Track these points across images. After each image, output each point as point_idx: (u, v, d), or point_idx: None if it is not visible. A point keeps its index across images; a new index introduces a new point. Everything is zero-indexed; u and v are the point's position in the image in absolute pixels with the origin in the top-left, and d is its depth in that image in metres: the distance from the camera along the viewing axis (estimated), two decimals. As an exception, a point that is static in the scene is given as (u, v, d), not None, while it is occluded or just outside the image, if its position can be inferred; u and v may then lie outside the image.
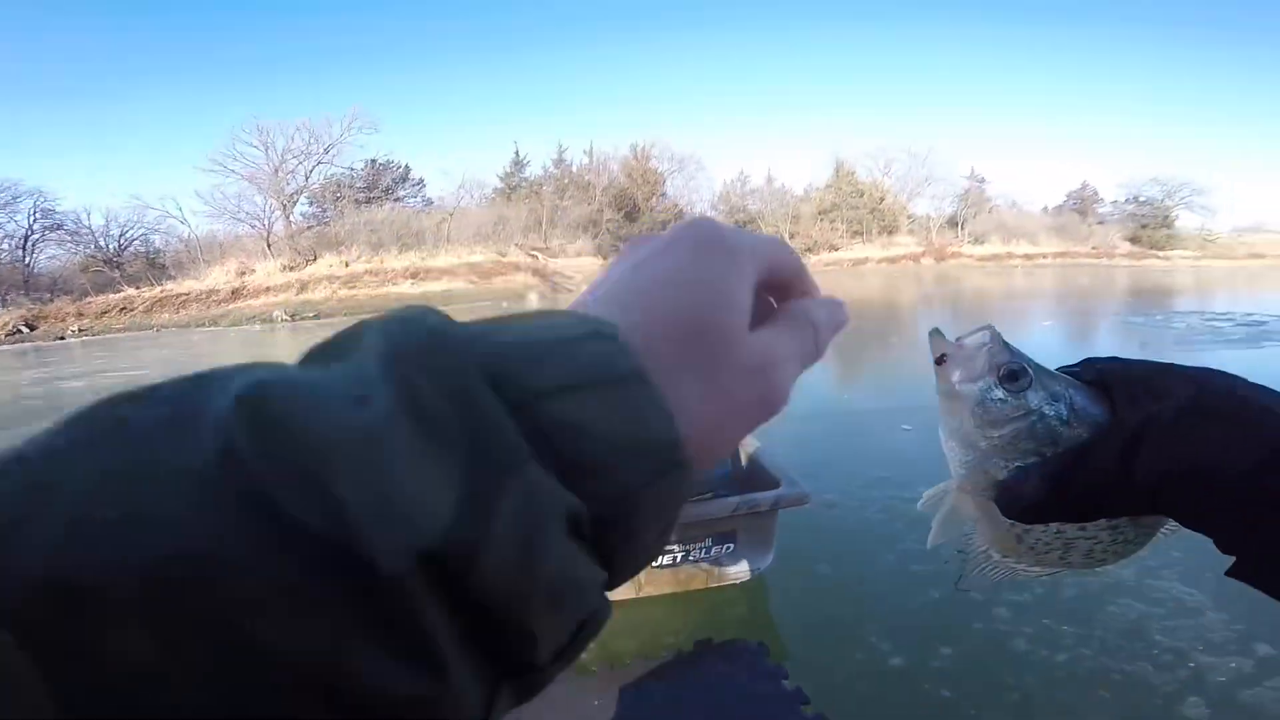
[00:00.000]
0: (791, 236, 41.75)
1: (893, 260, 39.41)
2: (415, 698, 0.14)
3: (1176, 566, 2.42)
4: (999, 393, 0.41)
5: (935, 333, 0.43)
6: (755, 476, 2.53)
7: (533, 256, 31.85)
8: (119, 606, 0.12)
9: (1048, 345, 8.88)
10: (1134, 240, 44.85)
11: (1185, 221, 47.36)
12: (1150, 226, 45.59)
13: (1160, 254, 42.95)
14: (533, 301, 24.53)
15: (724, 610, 2.31)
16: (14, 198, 31.15)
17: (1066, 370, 0.43)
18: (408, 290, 27.17)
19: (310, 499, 0.14)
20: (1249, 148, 74.01)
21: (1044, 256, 39.91)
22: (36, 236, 32.88)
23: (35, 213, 32.53)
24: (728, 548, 2.28)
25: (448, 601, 0.15)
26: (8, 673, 0.12)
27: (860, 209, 43.18)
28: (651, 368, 0.19)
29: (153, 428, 0.14)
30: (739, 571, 2.37)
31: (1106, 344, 9.28)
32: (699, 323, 0.21)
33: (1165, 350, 8.20)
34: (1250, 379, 0.38)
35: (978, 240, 42.83)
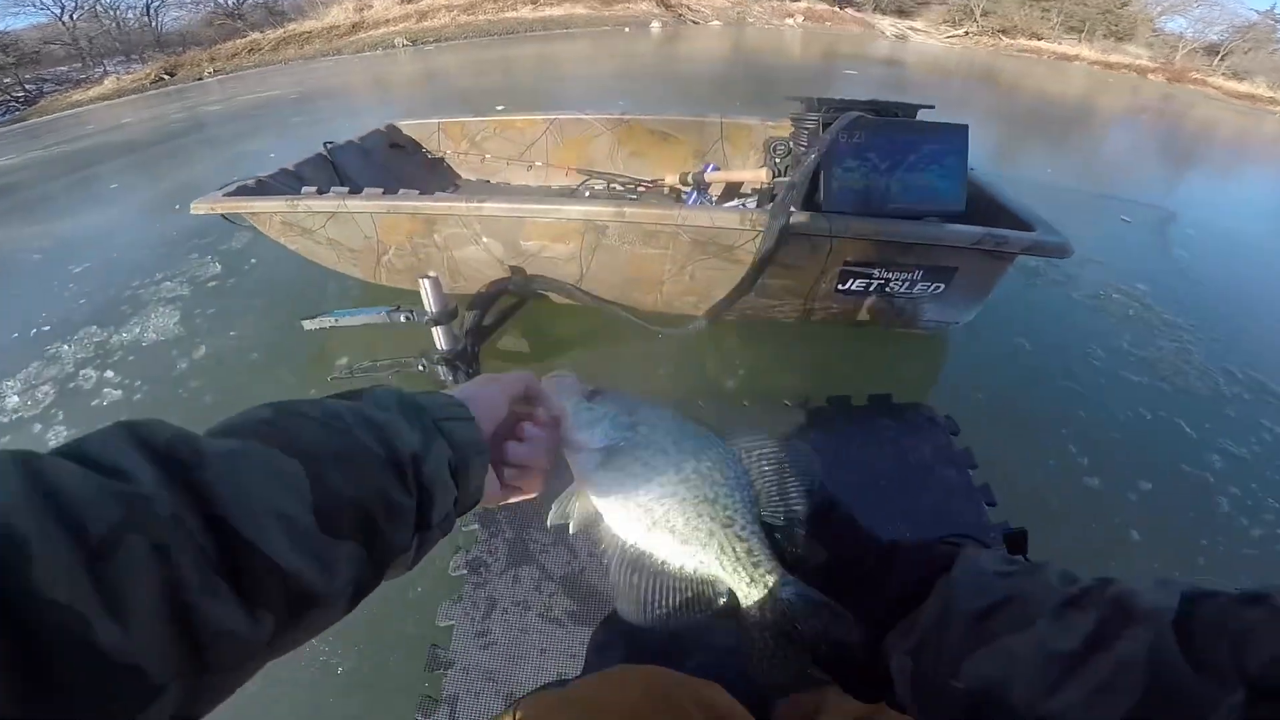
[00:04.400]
0: (984, 15, 33.42)
1: (1109, 66, 30.66)
2: (407, 507, 0.41)
3: None
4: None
5: None
6: (996, 217, 1.88)
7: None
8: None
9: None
10: None
11: None
12: None
13: None
14: (655, 29, 21.53)
15: (899, 363, 1.87)
16: (129, -39, 29.79)
17: None
18: (526, 15, 24.91)
19: (385, 443, 0.41)
20: None
21: (1326, 111, 30.01)
22: (157, 2, 32.42)
23: (153, -26, 31.42)
24: (936, 288, 1.77)
25: (415, 474, 0.42)
26: None
27: (1089, 5, 33.21)
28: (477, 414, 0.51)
29: (351, 421, 0.41)
30: (931, 318, 1.89)
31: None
32: (488, 399, 0.55)
33: None
34: None
35: (1237, 76, 32.35)
